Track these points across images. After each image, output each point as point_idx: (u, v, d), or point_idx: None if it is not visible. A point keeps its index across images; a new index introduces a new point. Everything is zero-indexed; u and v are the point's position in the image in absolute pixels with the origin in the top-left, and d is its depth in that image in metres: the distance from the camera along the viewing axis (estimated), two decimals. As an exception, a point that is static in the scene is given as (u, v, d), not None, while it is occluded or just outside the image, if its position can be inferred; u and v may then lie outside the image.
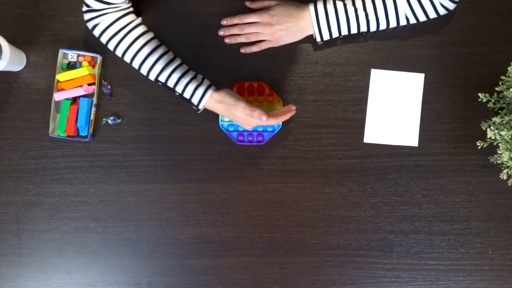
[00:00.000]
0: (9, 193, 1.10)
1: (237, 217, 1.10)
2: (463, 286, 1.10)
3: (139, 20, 1.04)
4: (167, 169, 1.10)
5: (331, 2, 1.03)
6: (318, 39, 1.05)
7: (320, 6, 1.03)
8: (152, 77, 1.03)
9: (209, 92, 1.01)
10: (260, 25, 1.05)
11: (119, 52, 1.03)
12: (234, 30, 1.07)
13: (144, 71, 1.03)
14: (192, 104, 1.02)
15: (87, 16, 1.01)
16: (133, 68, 1.04)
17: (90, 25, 1.02)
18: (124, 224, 1.10)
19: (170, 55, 1.04)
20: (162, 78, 1.02)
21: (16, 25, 1.10)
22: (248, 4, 1.08)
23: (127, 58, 1.03)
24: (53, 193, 1.10)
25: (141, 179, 1.10)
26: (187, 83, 1.01)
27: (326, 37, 1.05)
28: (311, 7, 1.03)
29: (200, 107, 1.02)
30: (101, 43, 1.04)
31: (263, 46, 1.07)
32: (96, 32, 1.03)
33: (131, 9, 1.04)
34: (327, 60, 1.10)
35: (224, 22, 1.08)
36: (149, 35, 1.04)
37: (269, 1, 1.06)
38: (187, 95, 1.01)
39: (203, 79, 1.03)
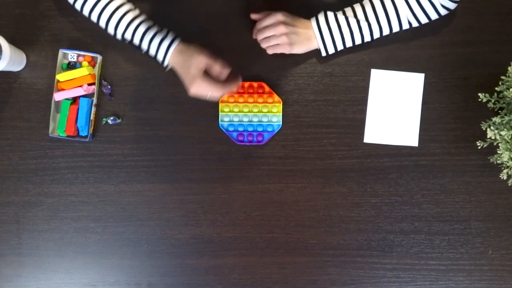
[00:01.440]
0: (9, 193, 1.10)
1: (237, 217, 1.10)
2: (463, 286, 1.10)
3: None
4: (167, 169, 1.10)
5: (333, 17, 1.02)
6: (324, 54, 1.05)
7: (322, 22, 1.02)
8: (119, 34, 1.02)
9: (176, 42, 1.00)
10: (274, 25, 1.02)
11: (86, 10, 1.02)
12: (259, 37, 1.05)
13: (111, 27, 1.02)
14: (158, 60, 1.02)
15: None
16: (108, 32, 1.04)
17: None
18: (124, 224, 1.10)
19: (136, 11, 1.03)
20: (127, 35, 1.01)
21: (16, 25, 1.10)
22: (253, 16, 1.07)
23: (94, 16, 1.02)
24: (53, 193, 1.10)
25: (141, 179, 1.10)
26: (152, 37, 1.00)
27: (331, 51, 1.05)
28: (314, 23, 1.03)
29: (166, 61, 1.00)
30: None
31: (277, 50, 1.04)
32: None
33: None
34: (327, 60, 1.10)
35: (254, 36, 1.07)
36: None
37: (274, 13, 1.04)
38: (152, 50, 1.00)
39: (168, 31, 1.02)
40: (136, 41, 1.02)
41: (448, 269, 1.09)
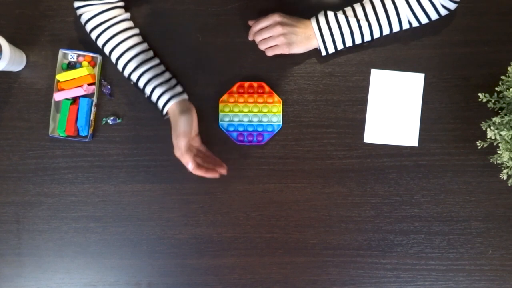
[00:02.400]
0: (9, 193, 1.10)
1: (237, 217, 1.10)
2: (463, 286, 1.10)
3: (126, 15, 1.05)
4: (167, 169, 1.10)
5: (333, 16, 1.02)
6: (324, 53, 1.05)
7: (322, 21, 1.02)
8: (126, 74, 1.04)
9: (173, 101, 1.00)
10: (271, 27, 1.02)
11: (100, 43, 1.04)
12: (257, 39, 1.05)
13: (120, 66, 1.04)
14: (158, 109, 1.03)
15: (76, 4, 1.02)
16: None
17: (78, 12, 1.03)
18: (124, 224, 1.10)
19: (148, 54, 1.04)
20: (133, 77, 1.03)
21: (16, 25, 1.10)
22: (251, 23, 1.07)
23: (106, 50, 1.04)
24: (53, 193, 1.10)
25: (141, 179, 1.10)
26: (156, 86, 1.01)
27: (331, 50, 1.05)
28: (314, 23, 1.03)
29: (164, 113, 1.02)
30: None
31: (276, 51, 1.04)
32: (82, 20, 1.04)
33: (121, 3, 1.04)
34: (327, 60, 1.10)
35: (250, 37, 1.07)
36: (133, 31, 1.04)
37: (271, 14, 1.04)
38: (153, 98, 1.02)
39: (175, 85, 1.04)
40: (140, 84, 1.03)
41: (448, 269, 1.09)
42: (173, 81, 1.05)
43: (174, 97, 1.01)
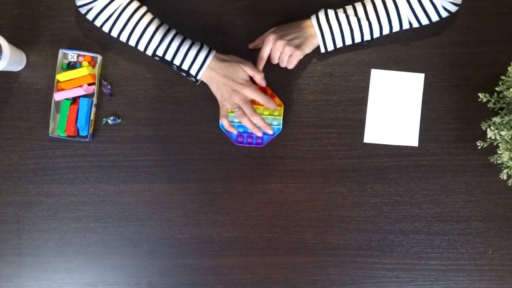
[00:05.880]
0: (9, 193, 1.10)
1: (237, 217, 1.10)
2: (463, 286, 1.10)
3: None
4: (167, 169, 1.10)
5: (333, 14, 1.02)
6: (323, 50, 1.05)
7: (322, 18, 1.02)
8: (150, 51, 1.03)
9: (213, 52, 1.02)
10: (274, 46, 1.03)
11: (114, 34, 1.04)
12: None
13: (141, 46, 1.03)
14: (189, 72, 1.03)
15: (79, 2, 1.02)
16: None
17: (83, 10, 1.03)
18: (124, 224, 1.10)
19: (165, 26, 1.04)
20: (160, 51, 1.02)
21: (16, 25, 1.10)
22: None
23: (123, 38, 1.04)
24: (53, 193, 1.10)
25: (141, 179, 1.10)
26: (189, 48, 1.02)
27: (330, 48, 1.05)
28: (314, 21, 1.03)
29: (203, 70, 1.02)
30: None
31: (293, 61, 1.04)
32: (90, 16, 1.03)
33: None
34: (327, 60, 1.10)
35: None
36: (143, 9, 1.04)
37: (266, 35, 1.04)
38: (187, 62, 1.02)
39: (202, 44, 1.04)
40: (169, 56, 1.02)
41: (448, 269, 1.09)
42: (198, 43, 1.04)
43: (212, 50, 1.03)
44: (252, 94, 1.01)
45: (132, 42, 1.04)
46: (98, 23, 1.03)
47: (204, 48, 1.02)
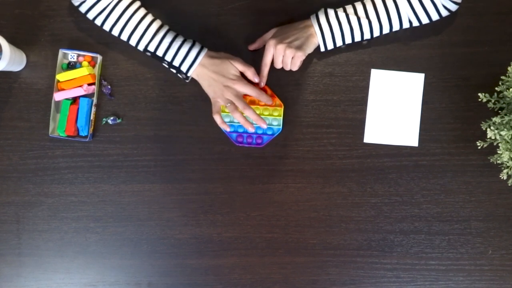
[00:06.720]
0: (9, 193, 1.10)
1: (237, 217, 1.10)
2: (463, 286, 1.10)
3: None
4: (167, 169, 1.10)
5: (333, 13, 1.02)
6: (322, 49, 1.05)
7: (322, 17, 1.02)
8: (142, 46, 1.04)
9: (205, 50, 1.03)
10: (275, 50, 1.02)
11: (107, 28, 1.04)
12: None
13: (133, 41, 1.04)
14: (180, 69, 1.03)
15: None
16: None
17: (75, 2, 1.03)
18: (124, 224, 1.10)
19: (158, 22, 1.04)
20: (151, 47, 1.02)
21: (16, 25, 1.10)
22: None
23: (115, 32, 1.04)
24: (53, 193, 1.10)
25: (141, 179, 1.10)
26: (179, 47, 1.02)
27: (330, 47, 1.05)
28: (313, 20, 1.03)
29: (194, 66, 1.02)
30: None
31: (296, 62, 1.04)
32: (83, 9, 1.03)
33: None
34: (327, 60, 1.10)
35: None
36: (137, 4, 1.04)
37: (266, 41, 1.04)
38: (179, 58, 1.02)
39: (194, 41, 1.04)
40: (161, 52, 1.02)
41: (448, 269, 1.09)
42: (190, 40, 1.04)
43: (204, 48, 1.03)
44: (244, 88, 1.02)
45: (124, 37, 1.04)
46: (91, 16, 1.03)
47: (196, 45, 1.03)
